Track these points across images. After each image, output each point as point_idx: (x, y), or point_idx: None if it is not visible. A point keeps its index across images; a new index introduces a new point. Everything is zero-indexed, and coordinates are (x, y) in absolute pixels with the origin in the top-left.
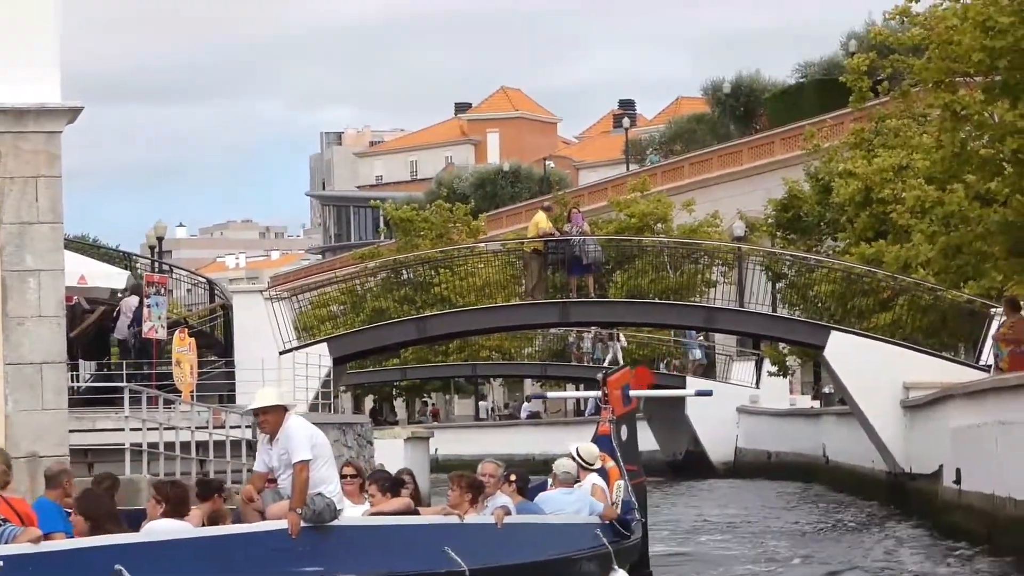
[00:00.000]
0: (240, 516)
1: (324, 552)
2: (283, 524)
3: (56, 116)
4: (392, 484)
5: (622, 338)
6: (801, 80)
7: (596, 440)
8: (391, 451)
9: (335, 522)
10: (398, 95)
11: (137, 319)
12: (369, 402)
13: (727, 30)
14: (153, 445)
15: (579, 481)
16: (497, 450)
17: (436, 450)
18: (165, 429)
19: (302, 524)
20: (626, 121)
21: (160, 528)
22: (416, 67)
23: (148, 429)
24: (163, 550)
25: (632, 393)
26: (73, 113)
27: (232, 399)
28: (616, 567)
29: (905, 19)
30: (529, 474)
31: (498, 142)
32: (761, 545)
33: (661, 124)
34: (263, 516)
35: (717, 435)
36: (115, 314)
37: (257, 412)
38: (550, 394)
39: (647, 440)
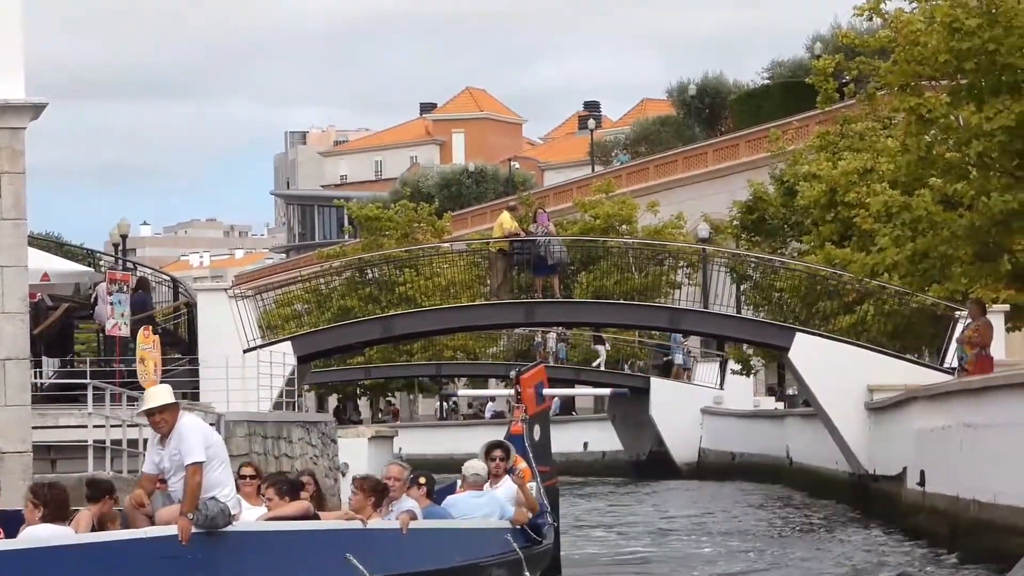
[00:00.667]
0: (127, 520)
1: (217, 560)
2: (173, 530)
3: (19, 112)
4: (291, 487)
5: (607, 343)
6: (767, 82)
7: (509, 440)
8: (355, 450)
9: (229, 528)
10: (364, 95)
11: (136, 306)
12: (333, 401)
13: (694, 33)
14: (117, 442)
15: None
16: (462, 449)
17: (400, 449)
18: (129, 426)
19: (193, 530)
20: (591, 123)
21: (38, 534)
22: (382, 68)
23: (112, 426)
24: (40, 558)
25: (546, 392)
26: (36, 109)
27: (196, 397)
28: (527, 573)
29: (875, 16)
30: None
31: (463, 142)
32: (722, 546)
33: (626, 126)
34: (152, 521)
35: (681, 436)
36: (92, 301)
37: (152, 412)
38: (461, 392)
39: (612, 440)
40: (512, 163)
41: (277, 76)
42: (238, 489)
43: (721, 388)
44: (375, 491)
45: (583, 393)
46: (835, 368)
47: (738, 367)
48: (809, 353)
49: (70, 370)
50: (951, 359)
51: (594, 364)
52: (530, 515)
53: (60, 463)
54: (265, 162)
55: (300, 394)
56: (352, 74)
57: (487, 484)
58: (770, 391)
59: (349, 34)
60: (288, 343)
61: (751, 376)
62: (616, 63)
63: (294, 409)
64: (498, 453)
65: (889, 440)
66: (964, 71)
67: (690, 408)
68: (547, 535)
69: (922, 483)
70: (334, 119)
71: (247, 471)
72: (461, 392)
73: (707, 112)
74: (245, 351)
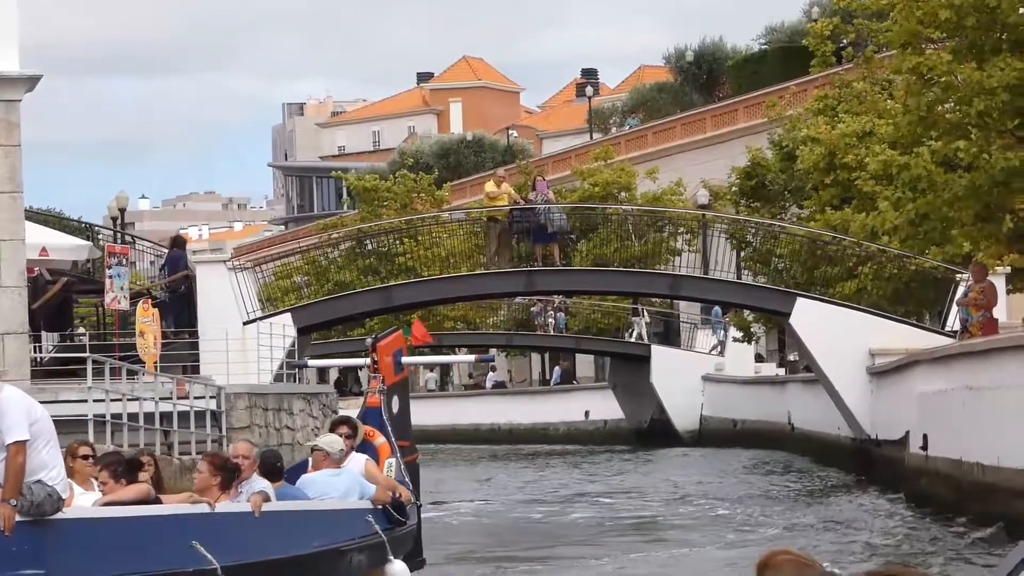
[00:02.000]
0: None
1: (45, 551)
2: None
3: (14, 85)
4: (127, 468)
5: (646, 314)
6: (764, 48)
7: (365, 413)
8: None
9: (58, 515)
10: (361, 66)
11: (172, 264)
12: (334, 373)
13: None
14: (116, 416)
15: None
16: (463, 420)
17: None
18: (128, 400)
19: (17, 518)
20: (589, 90)
21: None
22: (379, 39)
23: (111, 400)
24: None
25: (405, 360)
26: (31, 82)
27: (196, 370)
28: (392, 558)
29: None
30: (493, 444)
31: (461, 112)
32: (727, 511)
33: (624, 93)
34: None
35: (682, 403)
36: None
37: None
38: (311, 361)
39: (613, 409)
40: (510, 132)
41: (275, 49)
42: (69, 473)
43: (722, 355)
44: (223, 469)
45: (444, 360)
46: (836, 333)
47: (739, 334)
48: (810, 318)
49: (69, 344)
50: (952, 322)
51: (631, 336)
52: (392, 495)
53: (60, 437)
54: (263, 134)
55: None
56: (349, 45)
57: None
58: (779, 361)
59: (346, 5)
60: (288, 315)
61: (752, 343)
62: (614, 30)
63: (295, 381)
64: (344, 429)
65: (891, 404)
66: (965, 28)
67: (691, 375)
68: (411, 515)
69: (925, 447)
70: (332, 90)
71: (83, 450)
72: (312, 361)
73: (705, 78)
74: (245, 323)
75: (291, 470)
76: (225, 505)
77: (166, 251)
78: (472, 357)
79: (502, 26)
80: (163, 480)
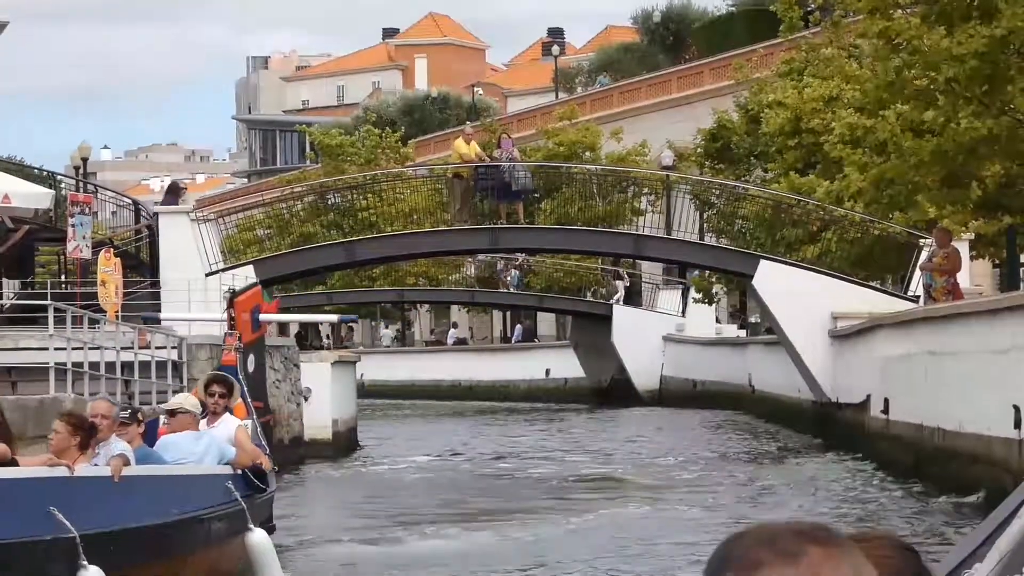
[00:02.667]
0: None
1: None
2: None
3: None
4: None
5: (627, 277)
6: (731, 10)
7: (219, 371)
8: (318, 374)
9: None
10: (326, 20)
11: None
12: (294, 327)
13: None
14: (78, 365)
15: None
16: (423, 376)
17: (362, 375)
18: (90, 349)
19: None
20: (555, 49)
21: None
22: None
23: (73, 349)
24: None
25: (262, 317)
26: None
27: (158, 320)
28: (252, 526)
29: None
30: (453, 400)
31: (426, 68)
32: (683, 472)
33: (590, 53)
34: None
35: (643, 363)
36: None
37: None
38: (164, 316)
39: (574, 367)
40: (475, 89)
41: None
42: None
43: (683, 316)
44: (81, 429)
45: (304, 319)
46: (799, 296)
47: (699, 295)
48: (773, 281)
49: (30, 292)
50: (915, 287)
51: (613, 300)
52: (253, 459)
53: (21, 385)
54: (227, 87)
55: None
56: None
57: (204, 422)
58: (740, 322)
59: None
60: (250, 267)
61: (713, 304)
62: None
63: None
64: (217, 388)
65: (853, 368)
66: None
67: (652, 335)
68: (271, 482)
69: (886, 411)
70: (297, 44)
71: None
72: (164, 316)
73: (671, 39)
74: (207, 275)
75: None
76: (84, 469)
77: (128, 200)
78: (335, 317)
79: None
80: (12, 436)
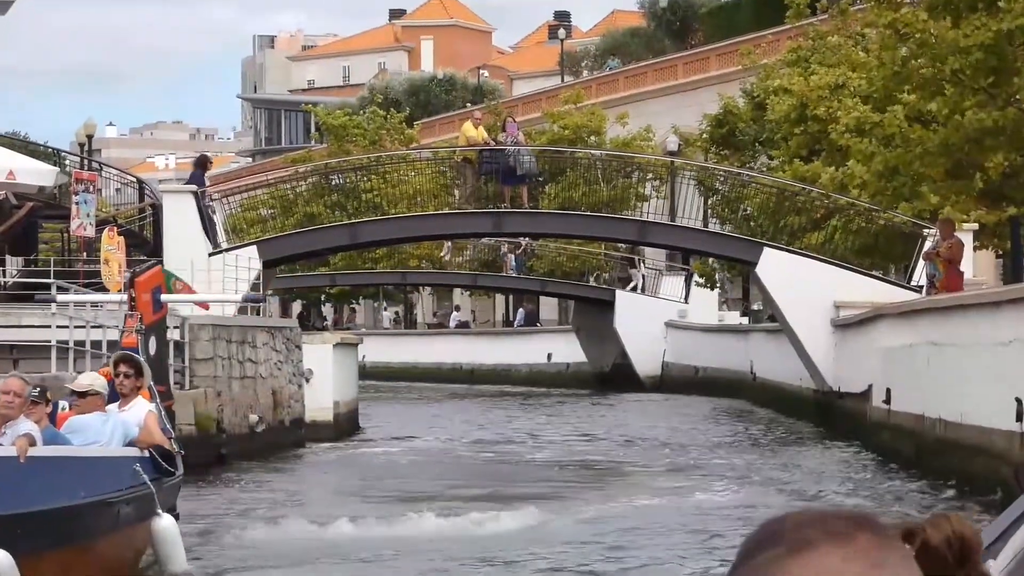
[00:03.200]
0: None
1: None
2: None
3: None
4: None
5: (642, 265)
6: None
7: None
8: (320, 356)
9: None
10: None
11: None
12: (297, 307)
13: None
14: (80, 343)
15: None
16: (425, 359)
17: (364, 357)
18: (92, 327)
19: None
20: (561, 32)
21: None
22: None
23: (75, 327)
24: None
25: (164, 298)
26: (4, 6)
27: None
28: (160, 511)
29: None
30: (454, 383)
31: (432, 49)
32: (682, 459)
33: (596, 37)
34: None
35: (644, 349)
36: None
37: None
38: (60, 297)
39: (576, 352)
40: (481, 71)
41: None
42: None
43: (686, 302)
44: None
45: (207, 299)
46: (802, 284)
47: (702, 280)
48: (776, 268)
49: (34, 269)
50: (919, 277)
51: (629, 287)
52: (156, 443)
53: (23, 363)
54: (233, 65)
55: (264, 299)
56: None
57: (115, 405)
58: (743, 309)
59: None
60: (254, 247)
61: (715, 290)
62: None
63: (259, 314)
64: (124, 368)
65: (855, 357)
66: None
67: (654, 321)
68: (178, 466)
69: (888, 401)
70: (303, 24)
71: None
72: (61, 297)
73: (678, 25)
74: (211, 254)
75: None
76: None
77: (132, 178)
78: (240, 296)
79: None
80: None
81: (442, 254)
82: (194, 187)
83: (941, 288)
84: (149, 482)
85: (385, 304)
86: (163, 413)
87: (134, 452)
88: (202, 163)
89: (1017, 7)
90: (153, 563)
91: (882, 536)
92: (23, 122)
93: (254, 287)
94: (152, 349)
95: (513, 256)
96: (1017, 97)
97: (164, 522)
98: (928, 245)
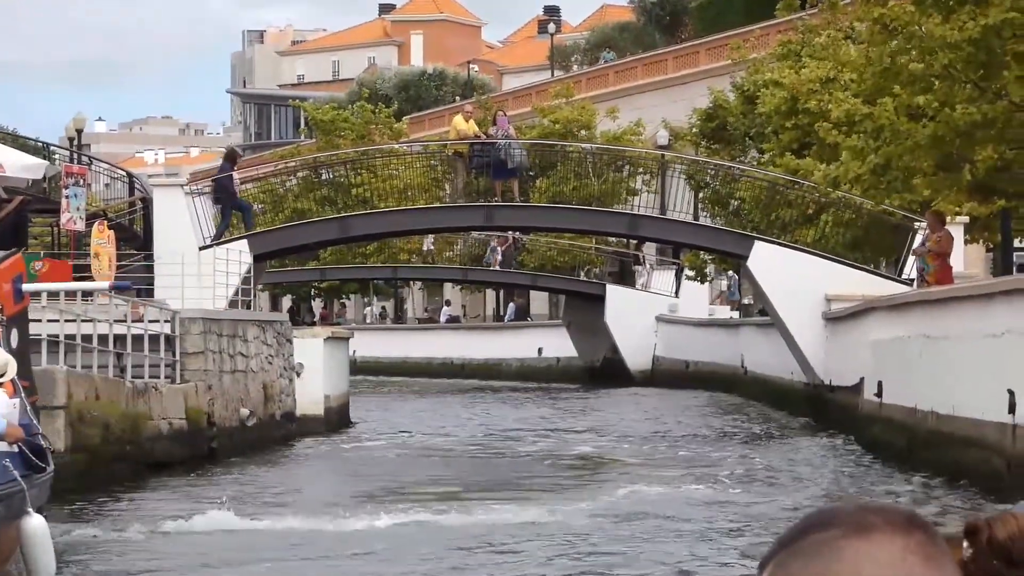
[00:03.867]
0: None
1: None
2: None
3: None
4: None
5: (647, 262)
6: None
7: None
8: (311, 351)
9: None
10: None
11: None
12: (287, 302)
13: None
14: (70, 337)
15: None
16: (415, 353)
17: (355, 352)
18: (82, 321)
19: None
20: (551, 27)
21: None
22: None
23: (65, 321)
24: None
25: (26, 288)
26: None
27: (151, 293)
28: (31, 510)
29: None
30: (445, 378)
31: (422, 44)
32: (675, 452)
33: (586, 31)
34: None
35: (635, 343)
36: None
37: None
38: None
39: (566, 346)
40: (471, 66)
41: None
42: None
43: (676, 296)
44: None
45: (72, 287)
46: (793, 277)
47: (692, 273)
48: (767, 262)
49: None
50: (909, 270)
51: (639, 285)
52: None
53: None
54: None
55: (255, 293)
56: None
57: None
58: (734, 304)
59: None
60: (244, 241)
61: (706, 282)
62: None
63: (249, 308)
64: None
65: (846, 350)
66: None
67: (645, 315)
68: (50, 461)
69: (879, 394)
70: (292, 19)
71: None
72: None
73: (668, 19)
74: (201, 248)
75: None
76: None
77: (122, 173)
78: (106, 284)
79: None
80: None
81: (424, 248)
82: (183, 181)
83: (931, 281)
84: (19, 478)
85: (369, 299)
86: (27, 407)
87: (2, 447)
88: (231, 156)
89: (1006, 2)
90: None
91: (934, 536)
92: (12, 116)
93: (120, 279)
94: (14, 342)
95: (500, 251)
96: (1006, 91)
97: (34, 522)
98: (919, 239)
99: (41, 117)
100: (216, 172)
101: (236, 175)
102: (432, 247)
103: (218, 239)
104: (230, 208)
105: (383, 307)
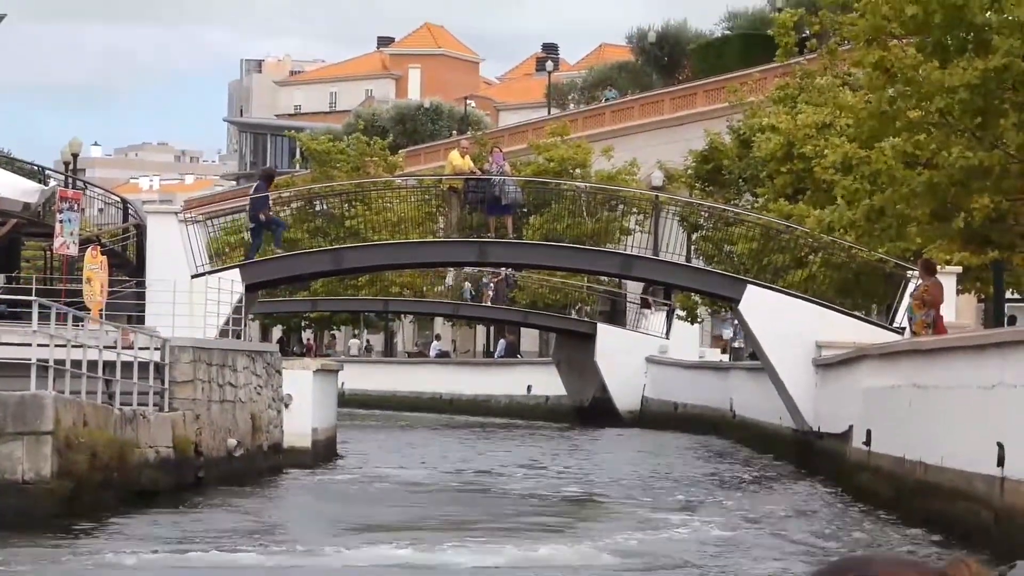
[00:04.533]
0: None
1: None
2: None
3: None
4: None
5: (653, 304)
6: (727, 32)
7: None
8: (300, 382)
9: None
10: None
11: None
12: (277, 332)
13: None
14: (60, 362)
15: None
16: (404, 388)
17: (343, 384)
18: (73, 347)
19: None
20: (549, 64)
21: None
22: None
23: (55, 346)
24: None
25: None
26: None
27: (142, 320)
28: None
29: None
30: (433, 413)
31: (419, 78)
32: (657, 494)
33: (584, 70)
34: None
35: (625, 383)
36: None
37: None
38: None
39: (556, 385)
40: (468, 101)
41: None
42: None
43: (667, 337)
44: None
45: None
46: (785, 323)
47: (683, 314)
48: (759, 306)
49: (15, 287)
50: (901, 319)
51: (654, 330)
52: None
53: (2, 381)
54: (221, 89)
55: (246, 323)
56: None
57: None
58: (724, 347)
59: None
60: (236, 271)
61: (696, 324)
62: (577, 6)
63: (240, 337)
64: None
65: (836, 398)
66: (931, 26)
67: (635, 356)
68: None
69: (868, 442)
70: (292, 49)
71: None
72: None
73: (666, 60)
74: (193, 276)
75: None
76: None
77: (116, 198)
78: None
79: None
80: None
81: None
82: (177, 208)
83: (916, 330)
84: None
85: (359, 332)
86: None
87: None
88: (268, 176)
89: (1003, 47)
90: None
91: None
92: (7, 139)
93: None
94: None
95: (493, 285)
96: (1003, 140)
97: None
98: (912, 287)
99: (37, 140)
100: (211, 198)
101: (270, 195)
102: (451, 283)
103: (250, 259)
104: (262, 228)
105: (368, 340)
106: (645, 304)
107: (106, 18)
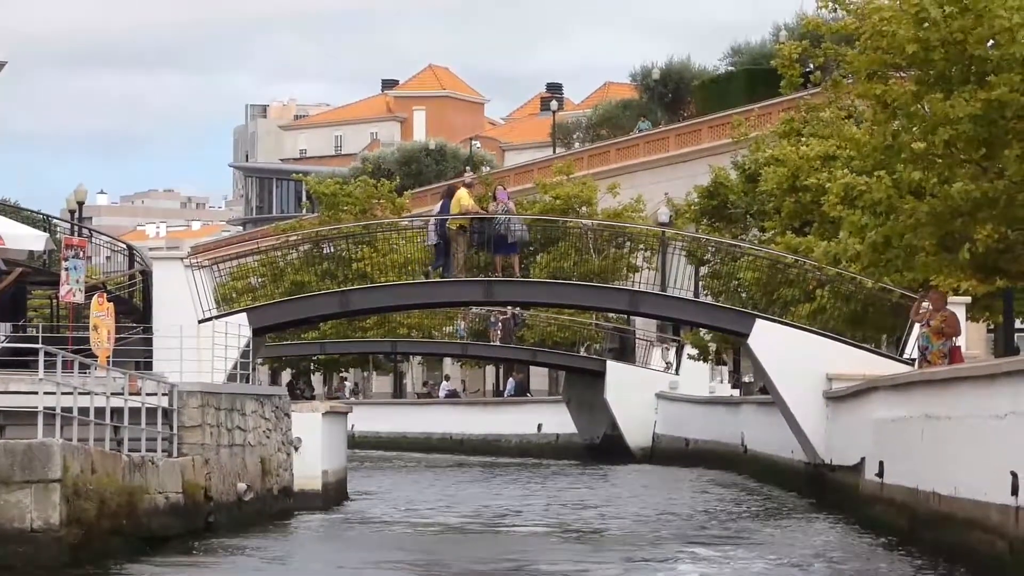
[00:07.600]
0: None
1: None
2: None
3: None
4: None
5: (667, 343)
6: (730, 68)
7: None
8: (309, 425)
9: None
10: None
11: None
12: (286, 375)
13: (661, 18)
14: (67, 410)
15: None
16: (414, 428)
17: (353, 426)
18: (80, 394)
19: None
20: (554, 104)
21: None
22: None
23: (63, 394)
24: None
25: None
26: None
27: (149, 366)
28: None
29: (839, 7)
30: (444, 453)
31: (424, 120)
32: (669, 531)
33: (588, 108)
34: None
35: (635, 420)
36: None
37: None
38: None
39: (566, 423)
40: (473, 142)
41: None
42: None
43: (676, 373)
44: None
45: None
46: (795, 356)
47: (695, 352)
48: (769, 340)
49: (22, 335)
50: (911, 350)
51: (669, 369)
52: None
53: (9, 429)
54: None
55: (254, 367)
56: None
57: None
58: (734, 381)
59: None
60: (244, 315)
61: (708, 361)
62: (581, 46)
63: (248, 381)
64: None
65: (847, 430)
66: (932, 61)
67: (645, 392)
68: None
69: (880, 474)
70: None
71: None
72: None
73: (670, 97)
74: (200, 321)
75: None
76: None
77: (123, 245)
78: None
79: (469, 36)
80: None
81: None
82: (183, 254)
83: (934, 361)
84: None
85: (364, 373)
86: None
87: None
88: (450, 192)
89: (1005, 79)
90: None
91: None
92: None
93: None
94: None
95: (500, 324)
96: (1008, 172)
97: None
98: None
99: (44, 188)
100: (217, 244)
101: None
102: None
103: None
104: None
105: (356, 383)
106: (662, 340)
107: (110, 67)
